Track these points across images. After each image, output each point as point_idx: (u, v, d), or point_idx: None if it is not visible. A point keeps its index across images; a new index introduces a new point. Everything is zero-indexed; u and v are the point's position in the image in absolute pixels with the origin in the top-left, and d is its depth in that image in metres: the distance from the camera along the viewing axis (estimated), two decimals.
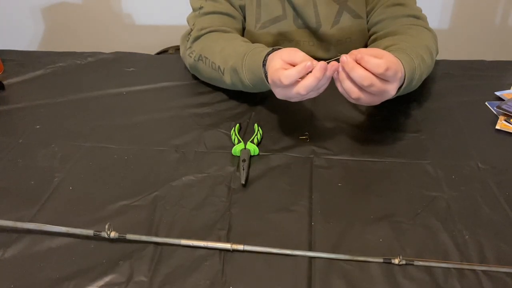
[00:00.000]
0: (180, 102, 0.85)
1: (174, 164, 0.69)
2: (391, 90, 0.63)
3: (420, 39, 0.81)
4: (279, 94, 0.66)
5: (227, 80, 0.80)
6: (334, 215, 0.59)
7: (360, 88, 0.61)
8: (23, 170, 0.69)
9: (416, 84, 0.74)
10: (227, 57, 0.78)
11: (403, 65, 0.66)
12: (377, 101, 0.64)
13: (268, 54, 0.70)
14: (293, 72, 0.61)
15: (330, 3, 0.91)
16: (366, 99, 0.63)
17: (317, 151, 0.71)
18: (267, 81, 0.70)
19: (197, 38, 0.86)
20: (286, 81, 0.62)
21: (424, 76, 0.78)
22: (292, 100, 0.67)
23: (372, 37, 0.92)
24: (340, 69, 0.62)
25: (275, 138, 0.74)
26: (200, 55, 0.83)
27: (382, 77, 0.60)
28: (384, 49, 0.75)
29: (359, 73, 0.60)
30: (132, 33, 1.90)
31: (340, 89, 0.64)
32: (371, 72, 0.60)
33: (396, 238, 0.56)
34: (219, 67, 0.80)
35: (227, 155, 0.70)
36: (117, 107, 0.84)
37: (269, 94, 0.85)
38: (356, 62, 0.60)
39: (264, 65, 0.70)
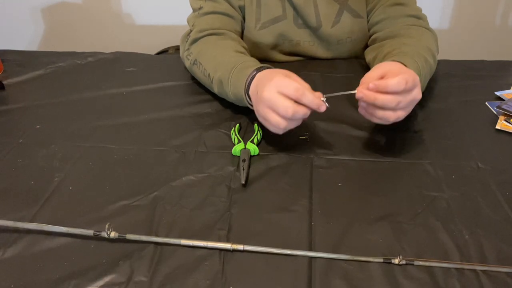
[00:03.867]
0: (180, 102, 0.85)
1: (174, 164, 0.69)
2: (418, 94, 0.63)
3: (421, 40, 0.81)
4: (261, 113, 0.66)
5: (215, 89, 0.81)
6: (334, 215, 0.59)
7: (393, 109, 0.62)
8: (23, 170, 0.69)
9: (423, 86, 0.75)
10: (217, 66, 0.78)
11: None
12: (411, 108, 0.65)
13: (257, 69, 0.70)
14: (289, 115, 0.62)
15: (330, 2, 0.91)
16: (403, 114, 0.63)
17: (317, 151, 0.71)
18: (248, 98, 0.71)
19: (195, 40, 0.86)
20: (284, 113, 0.62)
21: (428, 77, 0.79)
22: (266, 124, 0.67)
23: (373, 37, 0.92)
24: (365, 105, 0.63)
25: (275, 138, 0.74)
26: (196, 59, 0.84)
27: (405, 91, 0.61)
28: (385, 55, 0.77)
29: (383, 99, 0.61)
30: (132, 33, 1.90)
31: (375, 120, 0.65)
32: (394, 93, 0.60)
33: (396, 238, 0.56)
34: (209, 74, 0.80)
35: (227, 155, 0.70)
36: (117, 107, 0.84)
37: None
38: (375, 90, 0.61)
39: (251, 81, 0.70)
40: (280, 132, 0.66)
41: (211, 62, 0.80)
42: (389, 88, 0.60)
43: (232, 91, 0.75)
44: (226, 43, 0.84)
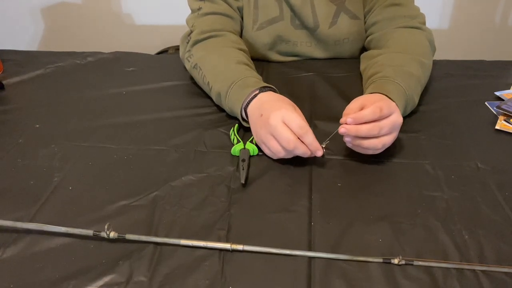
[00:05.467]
0: (180, 102, 0.85)
1: (174, 164, 0.69)
2: (397, 118, 0.65)
3: (409, 50, 0.81)
4: (262, 137, 0.67)
5: (213, 98, 0.81)
6: (334, 215, 0.59)
7: (377, 137, 0.64)
8: (23, 170, 0.69)
9: (415, 101, 0.77)
10: (217, 77, 0.79)
11: (389, 97, 0.69)
12: (396, 134, 0.66)
13: (260, 89, 0.71)
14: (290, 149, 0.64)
15: (327, 3, 0.91)
16: (388, 140, 0.65)
17: None
18: (245, 116, 0.73)
19: (196, 42, 0.86)
20: (285, 144, 0.64)
21: (420, 89, 0.80)
22: (263, 147, 0.69)
23: (368, 38, 0.93)
24: (350, 138, 0.65)
25: None
26: (196, 64, 0.84)
27: (382, 118, 0.63)
28: (369, 78, 0.78)
29: (365, 129, 0.63)
30: (132, 33, 1.91)
31: (364, 151, 0.67)
32: (372, 122, 0.62)
33: (396, 238, 0.56)
34: (208, 83, 0.81)
35: (227, 155, 0.70)
36: (117, 107, 0.84)
37: None
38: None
39: (251, 100, 0.71)
40: (275, 158, 0.68)
41: (211, 71, 0.81)
42: (365, 117, 0.62)
43: (228, 105, 0.76)
44: (228, 52, 0.83)
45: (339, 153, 0.70)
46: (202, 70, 0.82)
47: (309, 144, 0.64)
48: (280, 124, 0.64)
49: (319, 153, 0.64)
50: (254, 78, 0.76)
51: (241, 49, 0.85)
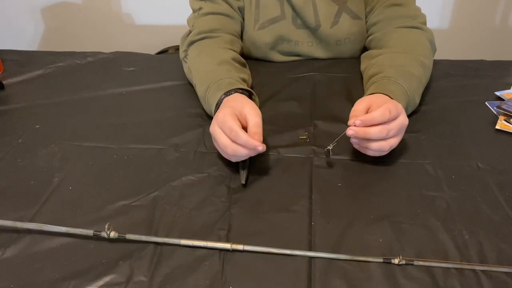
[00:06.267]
0: (180, 102, 0.85)
1: (174, 164, 0.69)
2: (404, 120, 0.65)
3: (409, 50, 0.81)
4: (213, 129, 0.64)
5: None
6: (334, 215, 0.59)
7: (385, 139, 0.64)
8: (23, 170, 0.69)
9: (416, 101, 0.77)
10: (199, 81, 0.79)
11: (391, 97, 0.69)
12: (402, 135, 0.66)
13: (225, 93, 0.70)
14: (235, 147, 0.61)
15: (329, 3, 0.91)
16: (395, 142, 0.65)
17: (317, 151, 0.71)
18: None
19: (192, 42, 0.86)
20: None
21: (422, 88, 0.79)
22: (215, 141, 0.65)
23: (369, 38, 0.93)
24: (358, 140, 0.65)
25: (275, 138, 0.74)
26: (189, 67, 0.85)
27: (390, 120, 0.63)
28: (370, 78, 0.78)
29: (374, 132, 0.62)
30: (132, 33, 1.90)
31: (371, 153, 0.66)
32: (380, 124, 0.62)
33: (396, 238, 0.56)
34: (195, 85, 0.81)
35: None
36: (117, 107, 0.84)
37: (269, 96, 0.85)
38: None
39: (219, 105, 0.70)
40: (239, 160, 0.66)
41: (196, 74, 0.81)
42: (375, 120, 0.62)
43: (208, 110, 0.76)
44: (215, 53, 0.82)
45: (339, 153, 0.70)
46: (192, 72, 0.83)
47: (244, 144, 0.60)
48: (216, 131, 0.63)
49: (259, 148, 0.59)
50: (227, 80, 0.73)
51: (232, 50, 0.85)
